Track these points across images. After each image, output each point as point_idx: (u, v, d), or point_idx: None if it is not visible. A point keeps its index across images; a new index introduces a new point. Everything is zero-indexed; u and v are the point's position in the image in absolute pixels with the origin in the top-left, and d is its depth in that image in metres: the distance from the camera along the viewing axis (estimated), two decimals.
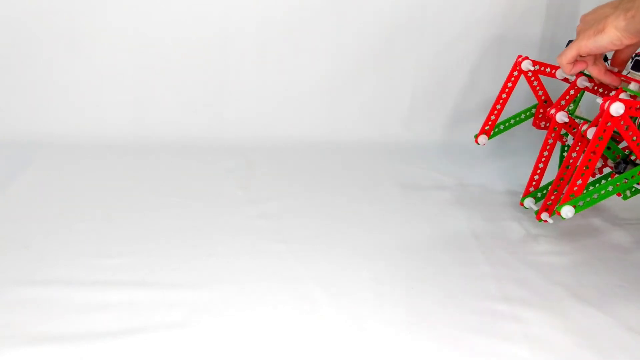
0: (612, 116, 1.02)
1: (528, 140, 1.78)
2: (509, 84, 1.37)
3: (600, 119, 1.05)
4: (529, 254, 1.22)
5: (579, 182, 1.08)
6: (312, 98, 1.82)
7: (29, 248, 1.08)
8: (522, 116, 1.43)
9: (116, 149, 1.60)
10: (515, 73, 1.36)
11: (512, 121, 1.43)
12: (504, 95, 1.38)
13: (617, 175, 1.16)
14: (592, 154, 1.07)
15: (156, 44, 1.67)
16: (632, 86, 1.13)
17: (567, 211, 1.07)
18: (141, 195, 1.35)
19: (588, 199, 1.09)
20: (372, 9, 1.78)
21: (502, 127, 1.42)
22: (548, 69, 1.35)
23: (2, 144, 1.54)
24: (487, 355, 0.92)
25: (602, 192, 1.10)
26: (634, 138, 1.08)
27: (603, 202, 1.39)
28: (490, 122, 1.39)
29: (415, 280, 1.10)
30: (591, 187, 1.24)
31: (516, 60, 1.35)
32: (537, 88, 1.39)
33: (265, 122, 1.77)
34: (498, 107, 1.38)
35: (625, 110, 1.02)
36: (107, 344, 0.87)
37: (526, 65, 1.34)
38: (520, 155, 1.77)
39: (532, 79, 1.37)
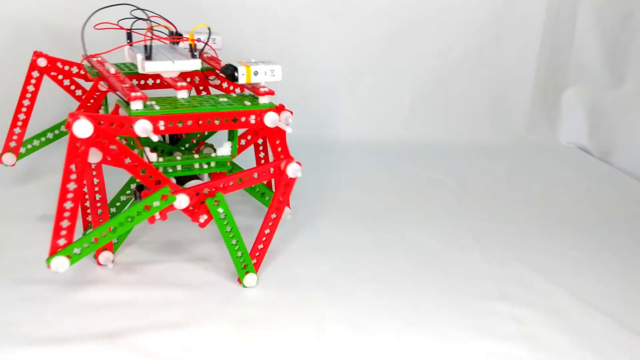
0: (79, 138, 0.81)
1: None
2: (30, 87, 1.10)
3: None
4: (529, 254, 1.22)
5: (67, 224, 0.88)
6: (312, 98, 1.82)
7: (29, 248, 1.08)
8: (64, 128, 1.14)
9: None
10: (36, 74, 1.10)
11: (51, 135, 1.15)
12: (26, 102, 1.10)
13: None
14: (68, 186, 0.85)
15: None
16: (135, 105, 0.90)
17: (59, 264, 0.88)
18: None
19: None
20: (372, 9, 1.78)
21: (36, 142, 1.14)
22: (67, 67, 1.11)
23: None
24: (487, 355, 0.92)
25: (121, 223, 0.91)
26: (128, 159, 0.89)
27: None
28: (15, 137, 1.11)
29: (415, 280, 1.10)
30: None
31: (32, 58, 1.10)
32: (73, 88, 1.13)
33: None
34: (22, 117, 1.10)
35: (95, 129, 0.82)
36: (107, 344, 0.87)
37: (43, 62, 1.09)
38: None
39: (62, 78, 1.11)
